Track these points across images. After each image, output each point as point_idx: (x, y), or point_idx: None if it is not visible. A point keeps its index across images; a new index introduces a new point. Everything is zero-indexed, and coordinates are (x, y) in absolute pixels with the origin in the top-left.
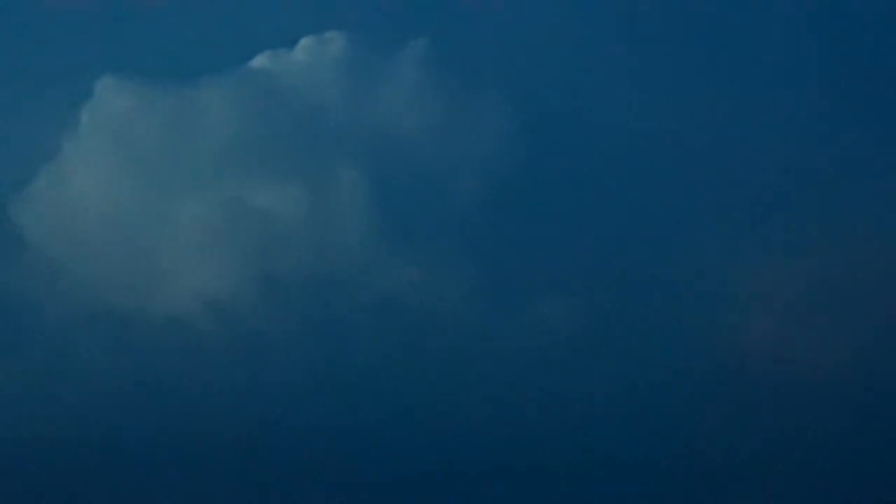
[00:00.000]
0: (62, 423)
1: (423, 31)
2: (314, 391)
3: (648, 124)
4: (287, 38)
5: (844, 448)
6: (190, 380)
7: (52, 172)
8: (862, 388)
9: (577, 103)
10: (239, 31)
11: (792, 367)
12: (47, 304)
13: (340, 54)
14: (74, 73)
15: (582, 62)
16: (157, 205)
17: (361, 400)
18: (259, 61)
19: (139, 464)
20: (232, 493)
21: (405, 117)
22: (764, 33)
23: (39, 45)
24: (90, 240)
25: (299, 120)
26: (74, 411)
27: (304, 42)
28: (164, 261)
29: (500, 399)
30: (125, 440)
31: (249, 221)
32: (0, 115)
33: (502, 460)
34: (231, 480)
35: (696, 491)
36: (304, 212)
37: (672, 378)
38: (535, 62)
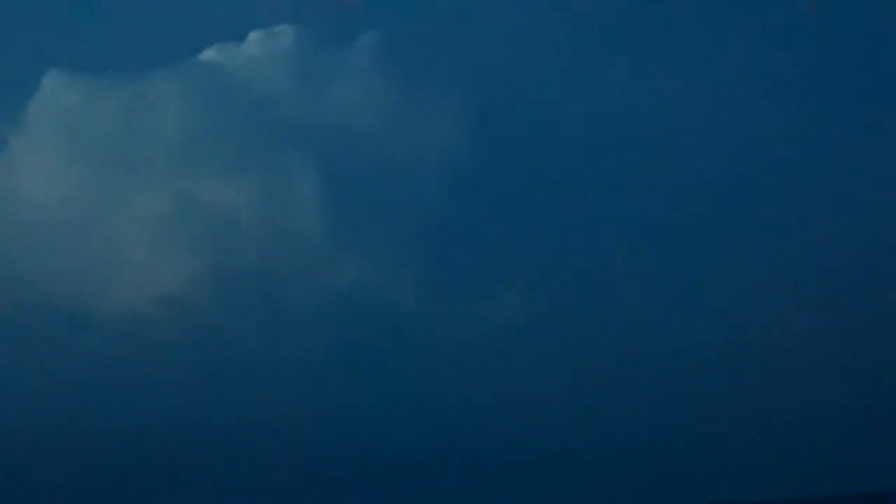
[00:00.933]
0: (11, 417)
1: (374, 24)
2: (268, 384)
3: (604, 117)
4: (237, 31)
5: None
6: (142, 373)
7: None
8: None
9: (529, 96)
10: (188, 24)
11: (754, 352)
12: None
13: (291, 48)
14: (21, 66)
15: (534, 56)
16: (107, 199)
17: (315, 391)
18: (209, 55)
19: (90, 456)
20: (185, 485)
21: (356, 111)
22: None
23: None
24: (39, 234)
25: (250, 114)
26: (23, 405)
27: (254, 36)
28: (115, 255)
29: (455, 390)
30: (76, 434)
31: (201, 215)
32: None
33: (457, 450)
34: (184, 472)
35: (654, 475)
36: (256, 205)
37: (627, 367)
38: (487, 56)
